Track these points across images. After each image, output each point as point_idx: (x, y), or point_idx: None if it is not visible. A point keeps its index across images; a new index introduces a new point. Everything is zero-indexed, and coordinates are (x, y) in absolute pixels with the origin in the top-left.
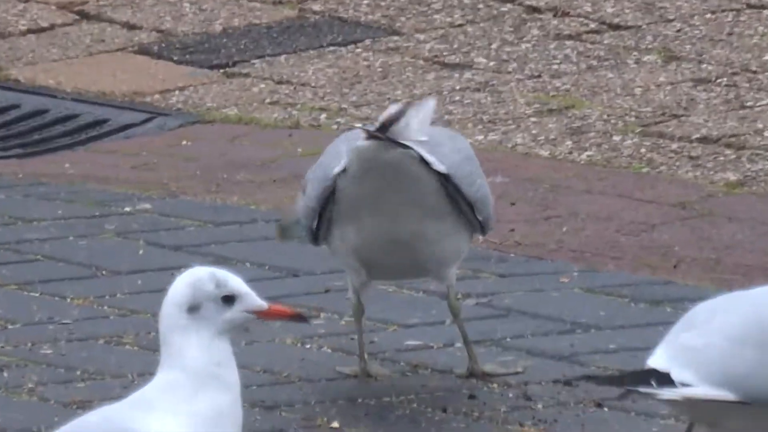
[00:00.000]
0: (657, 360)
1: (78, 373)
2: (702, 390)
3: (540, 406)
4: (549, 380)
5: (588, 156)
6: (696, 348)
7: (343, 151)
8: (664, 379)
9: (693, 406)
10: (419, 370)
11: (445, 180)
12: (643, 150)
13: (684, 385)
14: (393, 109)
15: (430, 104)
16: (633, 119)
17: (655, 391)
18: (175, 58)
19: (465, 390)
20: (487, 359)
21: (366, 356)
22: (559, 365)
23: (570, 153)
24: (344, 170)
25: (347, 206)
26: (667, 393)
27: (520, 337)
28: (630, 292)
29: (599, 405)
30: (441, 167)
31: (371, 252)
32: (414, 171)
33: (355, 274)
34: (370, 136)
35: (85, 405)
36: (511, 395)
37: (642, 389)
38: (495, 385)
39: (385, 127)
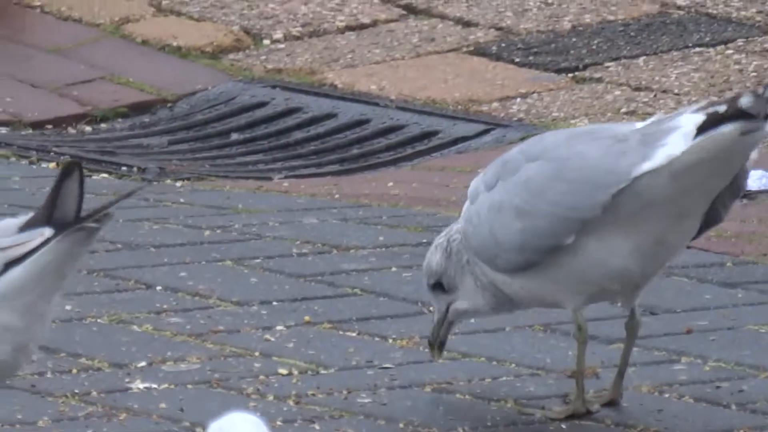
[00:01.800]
0: None
1: (401, 425)
2: None
3: None
4: None
5: None
6: None
7: (623, 148)
8: None
9: None
10: None
11: None
12: None
13: None
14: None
15: None
16: None
17: None
18: (517, 60)
19: None
20: None
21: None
22: None
23: None
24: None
25: (641, 209)
26: None
27: None
28: None
29: None
30: None
31: (626, 265)
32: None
33: (578, 297)
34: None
35: None
36: None
37: None
38: None
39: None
